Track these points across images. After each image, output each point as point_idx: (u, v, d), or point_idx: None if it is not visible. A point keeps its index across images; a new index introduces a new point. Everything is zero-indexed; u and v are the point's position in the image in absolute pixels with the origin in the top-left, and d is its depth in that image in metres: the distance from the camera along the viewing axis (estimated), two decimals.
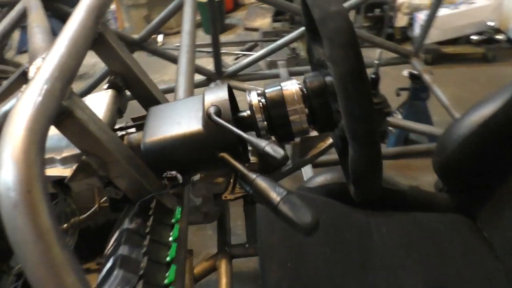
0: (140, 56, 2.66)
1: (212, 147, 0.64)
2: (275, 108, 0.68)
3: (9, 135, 0.44)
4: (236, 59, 3.46)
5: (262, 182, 0.58)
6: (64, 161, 0.69)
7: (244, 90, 1.91)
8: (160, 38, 4.04)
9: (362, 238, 1.08)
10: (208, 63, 2.67)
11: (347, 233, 1.09)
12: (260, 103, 0.68)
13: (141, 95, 0.80)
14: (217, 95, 0.68)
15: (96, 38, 0.75)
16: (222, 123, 0.62)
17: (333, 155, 1.70)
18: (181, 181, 0.67)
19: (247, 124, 0.69)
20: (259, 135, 0.69)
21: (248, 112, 0.69)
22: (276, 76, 2.27)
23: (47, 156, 0.69)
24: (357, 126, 0.55)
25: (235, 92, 0.73)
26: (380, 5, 3.51)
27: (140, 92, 0.79)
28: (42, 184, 0.42)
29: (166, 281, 0.56)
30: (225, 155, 0.64)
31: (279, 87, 0.69)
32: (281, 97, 0.68)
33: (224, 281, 1.25)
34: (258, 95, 0.70)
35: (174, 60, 2.18)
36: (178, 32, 2.21)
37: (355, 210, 1.17)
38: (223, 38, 3.64)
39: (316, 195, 1.19)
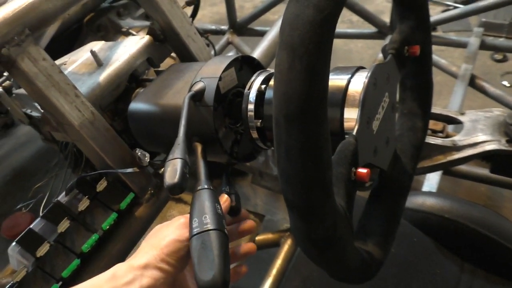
0: None
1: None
2: None
3: None
4: (443, 11, 2.87)
5: (201, 199, 0.43)
6: None
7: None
8: None
9: None
10: None
11: (416, 282, 0.83)
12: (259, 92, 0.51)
13: (179, 49, 0.69)
14: (215, 67, 0.53)
15: None
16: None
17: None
18: (145, 164, 0.57)
19: (236, 114, 0.53)
20: (249, 139, 0.53)
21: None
22: (464, 46, 1.78)
23: None
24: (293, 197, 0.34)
25: None
26: None
27: (178, 45, 0.68)
28: None
29: (63, 273, 0.50)
30: (198, 144, 0.51)
31: None
32: None
33: (279, 262, 1.14)
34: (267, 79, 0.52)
35: None
36: None
37: (448, 257, 0.88)
38: None
39: (404, 220, 0.92)
